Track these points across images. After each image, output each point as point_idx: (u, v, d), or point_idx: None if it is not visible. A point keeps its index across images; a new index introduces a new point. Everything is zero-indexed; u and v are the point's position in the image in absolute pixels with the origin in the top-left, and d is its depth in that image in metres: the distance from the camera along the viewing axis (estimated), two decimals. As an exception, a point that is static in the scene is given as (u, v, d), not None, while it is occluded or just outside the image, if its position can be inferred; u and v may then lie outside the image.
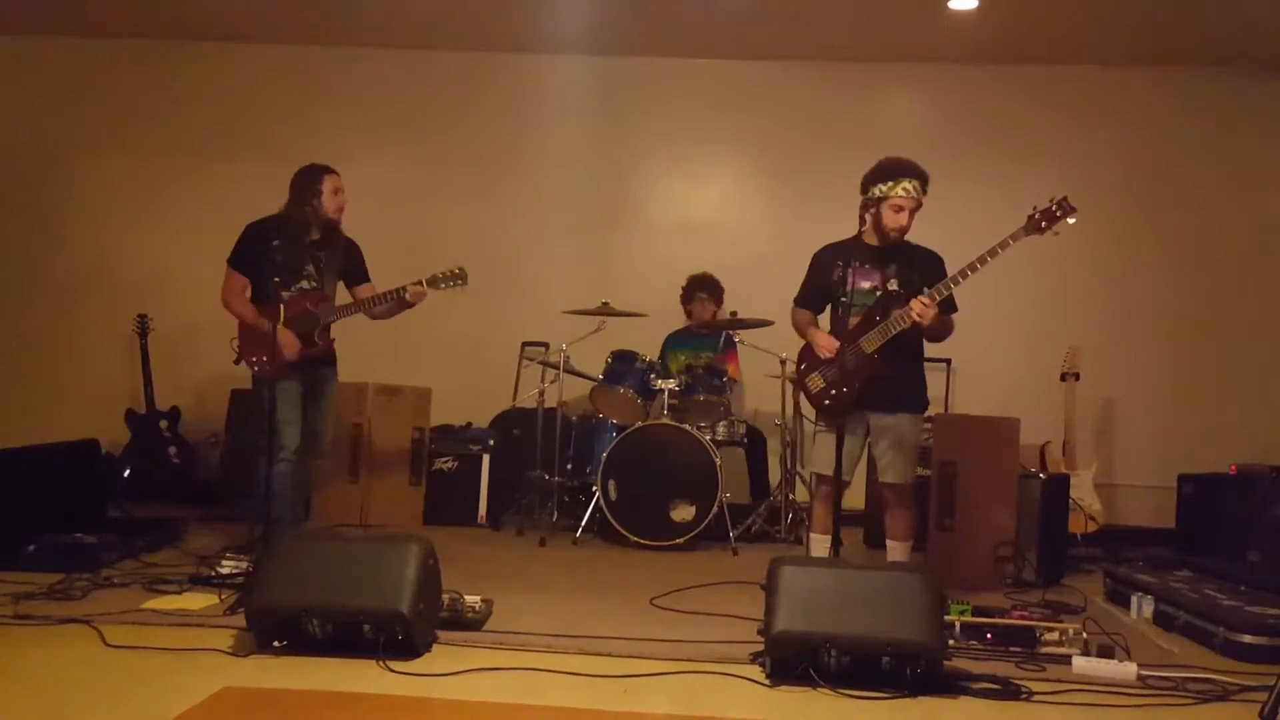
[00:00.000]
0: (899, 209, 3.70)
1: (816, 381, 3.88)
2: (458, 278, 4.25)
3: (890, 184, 3.70)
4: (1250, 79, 6.15)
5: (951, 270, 3.68)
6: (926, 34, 5.92)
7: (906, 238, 3.83)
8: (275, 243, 4.08)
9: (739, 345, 5.76)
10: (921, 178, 3.71)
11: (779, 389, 5.54)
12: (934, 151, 6.01)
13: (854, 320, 3.75)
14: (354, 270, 4.39)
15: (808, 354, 3.96)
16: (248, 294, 4.23)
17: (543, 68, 6.47)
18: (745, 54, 6.36)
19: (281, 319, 4.01)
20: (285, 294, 4.14)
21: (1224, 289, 6.14)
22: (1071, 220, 3.49)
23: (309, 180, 4.17)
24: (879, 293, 3.76)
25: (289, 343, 4.11)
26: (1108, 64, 6.21)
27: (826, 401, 3.83)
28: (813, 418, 4.07)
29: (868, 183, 3.78)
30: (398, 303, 4.26)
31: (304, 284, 4.21)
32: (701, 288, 5.88)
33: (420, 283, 4.21)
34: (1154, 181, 6.22)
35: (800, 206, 6.21)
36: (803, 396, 4.15)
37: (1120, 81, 6.24)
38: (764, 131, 6.49)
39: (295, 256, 4.17)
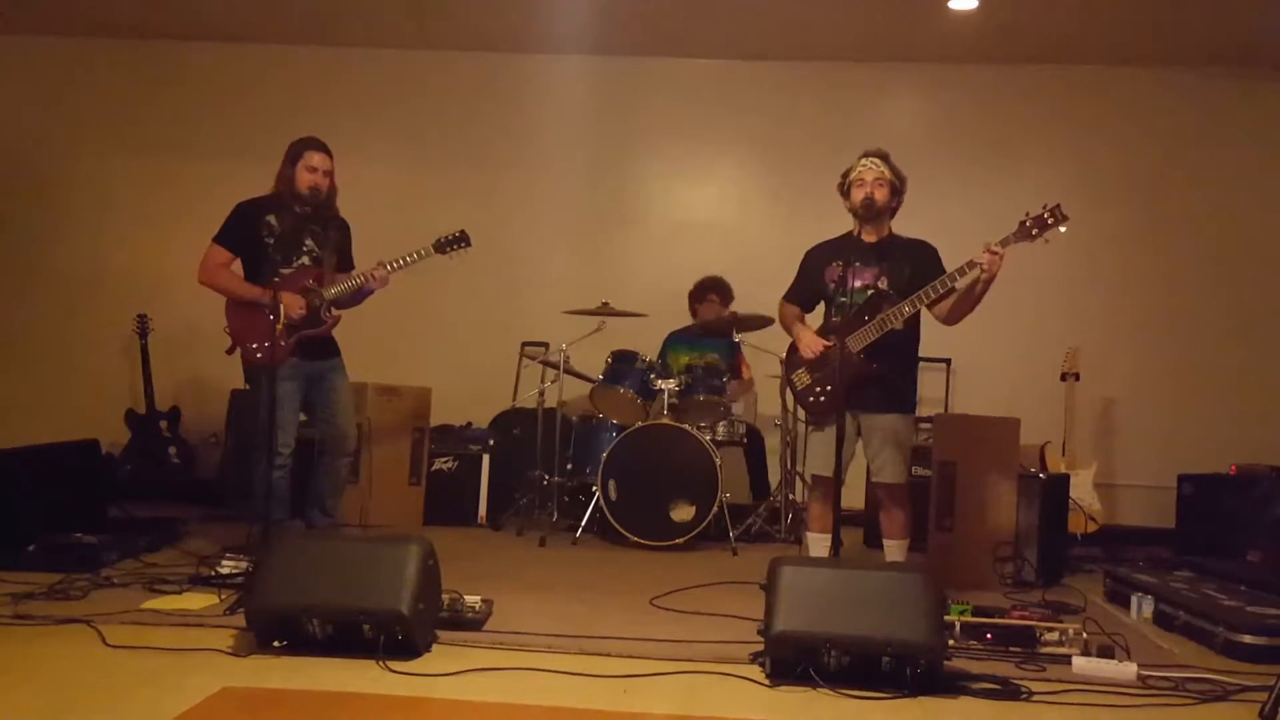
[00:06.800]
0: (861, 183, 3.80)
1: (803, 378, 3.92)
2: (460, 240, 4.16)
3: (851, 167, 3.84)
4: (1250, 79, 6.15)
5: (946, 259, 3.74)
6: (926, 34, 5.93)
7: (900, 232, 3.89)
8: (268, 218, 4.00)
9: (741, 345, 5.76)
10: (882, 155, 3.82)
11: (779, 389, 5.53)
12: (934, 151, 6.09)
13: (845, 319, 3.76)
14: (342, 253, 4.25)
15: (794, 351, 3.99)
16: (234, 268, 4.08)
17: (543, 68, 6.48)
18: (745, 54, 6.36)
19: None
20: (284, 270, 4.01)
21: (1224, 289, 6.14)
22: (1063, 229, 3.46)
23: (290, 153, 4.07)
24: (870, 291, 3.78)
25: (292, 303, 3.95)
26: (1108, 64, 6.21)
27: (811, 399, 3.87)
28: (805, 417, 4.08)
29: (841, 180, 3.88)
30: (355, 290, 4.10)
31: (304, 260, 4.10)
32: (713, 289, 5.83)
33: (383, 265, 4.05)
34: (1154, 181, 6.22)
35: (800, 206, 6.19)
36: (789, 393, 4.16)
37: (1120, 81, 6.24)
38: (764, 131, 6.49)
39: (292, 231, 4.03)
